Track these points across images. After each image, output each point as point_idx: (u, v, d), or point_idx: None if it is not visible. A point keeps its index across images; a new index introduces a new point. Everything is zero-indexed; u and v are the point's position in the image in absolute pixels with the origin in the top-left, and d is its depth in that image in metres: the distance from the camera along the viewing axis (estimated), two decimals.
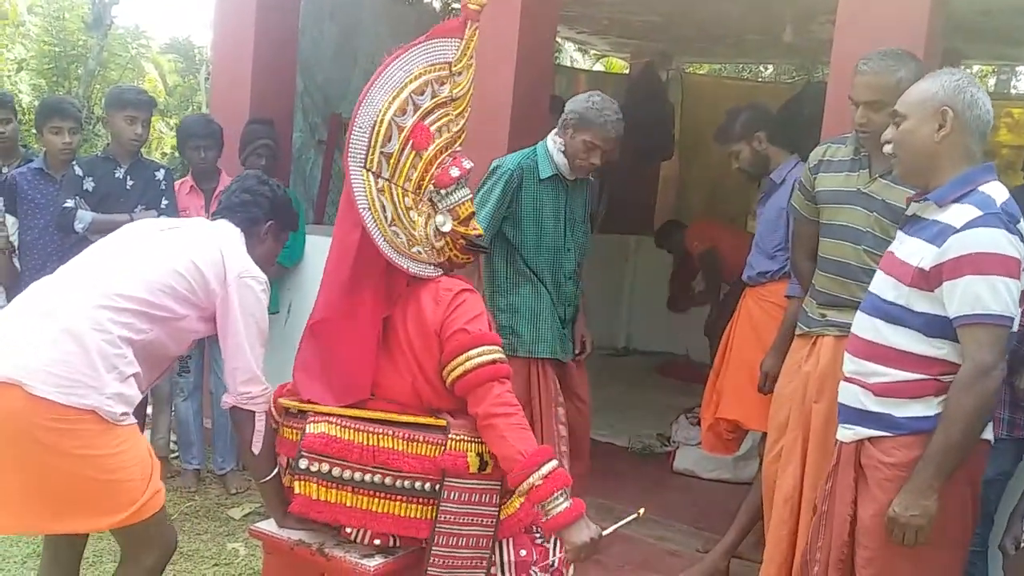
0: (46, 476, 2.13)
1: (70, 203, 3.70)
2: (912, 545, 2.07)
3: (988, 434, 2.14)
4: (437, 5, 6.53)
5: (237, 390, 2.34)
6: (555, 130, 3.26)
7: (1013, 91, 9.79)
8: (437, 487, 2.19)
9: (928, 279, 2.08)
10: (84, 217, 3.69)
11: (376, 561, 2.22)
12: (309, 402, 2.31)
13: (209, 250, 2.36)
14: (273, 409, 2.40)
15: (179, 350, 2.44)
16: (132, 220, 3.61)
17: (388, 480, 2.18)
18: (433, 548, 2.19)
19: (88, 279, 2.26)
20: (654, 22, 5.98)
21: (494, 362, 2.20)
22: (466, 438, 2.20)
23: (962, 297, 2.02)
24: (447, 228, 2.33)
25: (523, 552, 2.29)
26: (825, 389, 2.62)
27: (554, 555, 2.31)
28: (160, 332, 2.29)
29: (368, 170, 2.24)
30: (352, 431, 2.20)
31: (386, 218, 2.25)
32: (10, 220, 3.78)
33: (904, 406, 2.13)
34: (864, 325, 2.23)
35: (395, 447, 2.19)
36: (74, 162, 3.86)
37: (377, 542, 2.25)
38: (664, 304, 6.10)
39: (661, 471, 4.50)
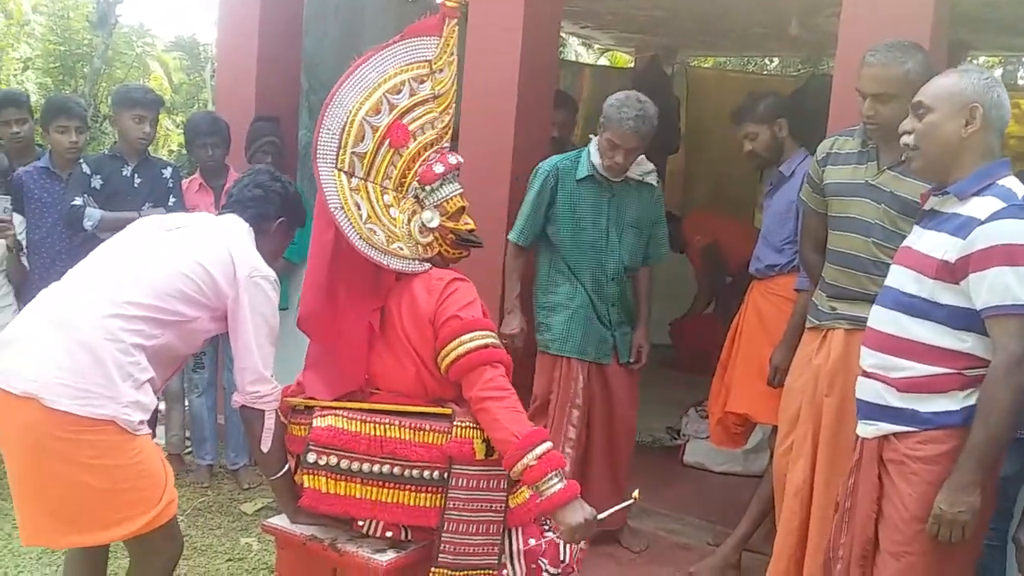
0: (63, 488, 2.14)
1: (78, 201, 3.71)
2: (958, 540, 2.07)
3: None
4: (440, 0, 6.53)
5: (246, 389, 2.35)
6: None
7: (1020, 81, 9.76)
8: (445, 475, 2.21)
9: (953, 271, 2.07)
10: (93, 215, 3.71)
11: (388, 556, 2.24)
12: (312, 398, 2.36)
13: (216, 249, 2.36)
14: (282, 412, 2.42)
15: (191, 350, 2.45)
16: (140, 217, 3.66)
17: (396, 470, 2.20)
18: (443, 535, 2.21)
19: (97, 287, 2.26)
20: (658, 16, 5.98)
21: (486, 346, 2.22)
22: (472, 425, 2.22)
23: (991, 288, 2.02)
24: (435, 224, 2.37)
25: (532, 541, 2.30)
26: (836, 382, 2.63)
27: (565, 553, 2.32)
28: (171, 335, 2.29)
29: (340, 170, 2.29)
30: (359, 423, 2.22)
31: (361, 216, 2.29)
32: (18, 219, 3.80)
33: (929, 401, 2.12)
34: (884, 319, 2.22)
35: (402, 436, 2.22)
36: (82, 160, 3.87)
37: (389, 534, 2.27)
38: (669, 299, 6.10)
39: (671, 464, 4.51)
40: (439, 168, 2.37)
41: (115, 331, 2.18)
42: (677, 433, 4.73)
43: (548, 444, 2.11)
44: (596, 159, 3.27)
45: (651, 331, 3.56)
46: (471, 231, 2.44)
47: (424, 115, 2.38)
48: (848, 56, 2.85)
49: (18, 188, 3.86)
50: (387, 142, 2.33)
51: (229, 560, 3.37)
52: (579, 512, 2.08)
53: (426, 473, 2.21)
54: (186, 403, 4.24)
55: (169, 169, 4.05)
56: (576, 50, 10.21)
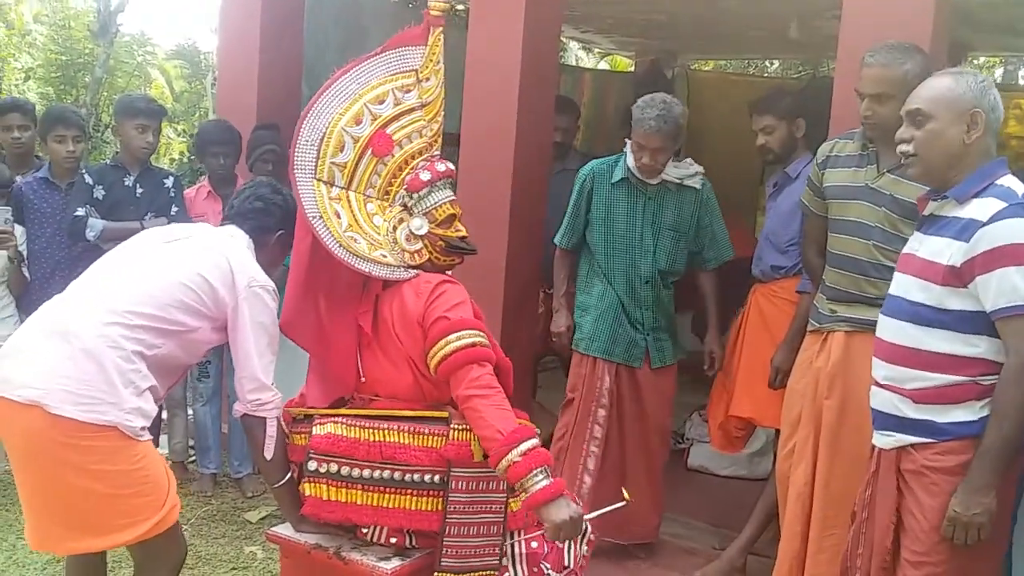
0: (67, 494, 2.15)
1: (81, 211, 3.72)
2: (974, 543, 2.05)
3: None
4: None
5: (247, 398, 2.36)
6: None
7: (1021, 81, 9.75)
8: (445, 479, 2.21)
9: (960, 275, 2.06)
10: (95, 225, 3.72)
11: (393, 564, 2.24)
12: (311, 407, 2.39)
13: (215, 259, 2.38)
14: (284, 423, 2.43)
15: (193, 360, 2.47)
16: (143, 227, 3.67)
17: (397, 475, 2.21)
18: (445, 539, 2.21)
19: (98, 297, 2.28)
20: (658, 20, 5.97)
21: (473, 345, 2.21)
22: (468, 427, 2.22)
23: (998, 289, 2.01)
24: (423, 231, 2.38)
25: (534, 544, 2.29)
26: (836, 385, 2.62)
27: (569, 557, 2.31)
28: (173, 345, 2.31)
29: (320, 180, 2.32)
30: (358, 429, 2.23)
31: (341, 224, 2.31)
32: (19, 229, 3.80)
33: (946, 412, 2.11)
34: (892, 329, 2.21)
35: (401, 441, 2.22)
36: (84, 170, 3.88)
37: (393, 540, 2.27)
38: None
39: (675, 468, 4.48)
40: (426, 176, 2.39)
41: (117, 339, 2.19)
42: (681, 437, 4.72)
43: (533, 441, 2.10)
44: (631, 162, 3.31)
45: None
46: (463, 238, 2.45)
47: (411, 124, 2.41)
48: (848, 59, 2.85)
49: (18, 199, 3.86)
50: (369, 151, 2.37)
51: (233, 569, 3.37)
52: (564, 509, 2.06)
53: (427, 477, 2.21)
54: (190, 412, 4.24)
55: (171, 179, 4.06)
56: (576, 54, 10.23)
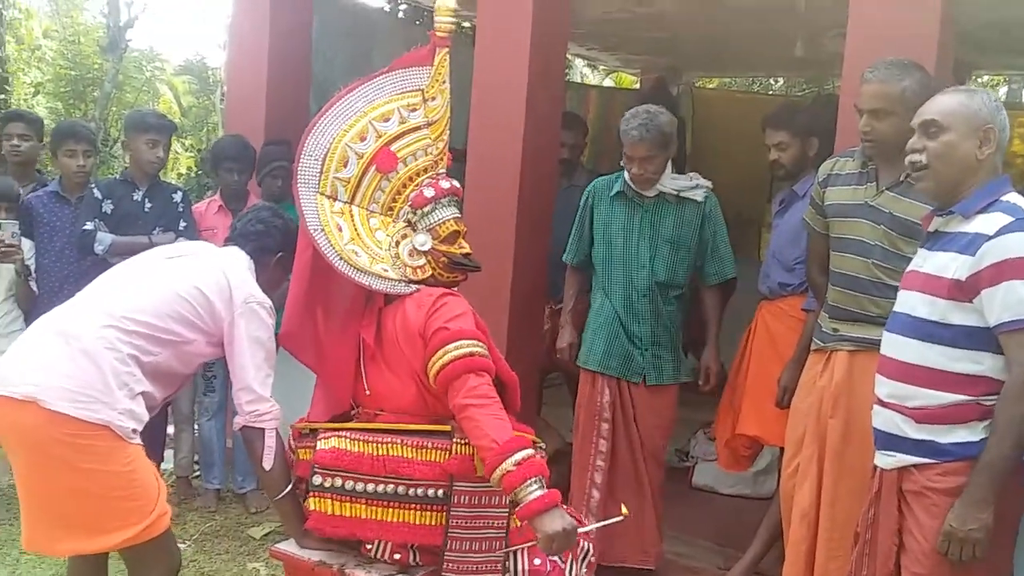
0: (58, 493, 2.20)
1: (90, 226, 3.75)
2: (969, 560, 2.04)
3: None
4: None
5: (244, 409, 2.41)
6: None
7: None
8: (449, 493, 2.21)
9: (964, 289, 2.06)
10: (104, 239, 3.74)
11: None
12: (316, 422, 2.41)
13: (213, 274, 2.44)
14: (291, 439, 2.46)
15: (187, 371, 2.51)
16: (151, 241, 3.70)
17: (400, 489, 2.21)
18: (446, 553, 2.21)
19: (97, 303, 2.35)
20: (664, 37, 6.00)
21: (471, 354, 2.21)
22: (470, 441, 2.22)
23: (1004, 303, 2.00)
24: (426, 247, 2.41)
25: (536, 561, 2.28)
26: (840, 404, 2.62)
27: (571, 574, 2.30)
28: (168, 355, 2.37)
29: (323, 194, 2.36)
30: (362, 443, 2.24)
31: (343, 238, 2.34)
32: (27, 244, 3.82)
33: (948, 432, 2.10)
34: (896, 346, 2.20)
35: (404, 455, 2.23)
36: (93, 185, 3.90)
37: (397, 556, 2.27)
38: None
39: (680, 487, 4.47)
40: (429, 192, 2.42)
41: (114, 341, 2.26)
42: (686, 455, 4.70)
43: (528, 451, 2.09)
44: (627, 175, 3.31)
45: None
46: (466, 255, 2.46)
47: (416, 142, 2.44)
48: (853, 77, 2.85)
49: (27, 212, 3.89)
50: (373, 167, 2.40)
51: None
52: (558, 521, 2.04)
53: (430, 491, 2.21)
54: (195, 427, 4.24)
55: (179, 193, 4.08)
56: (582, 72, 10.26)
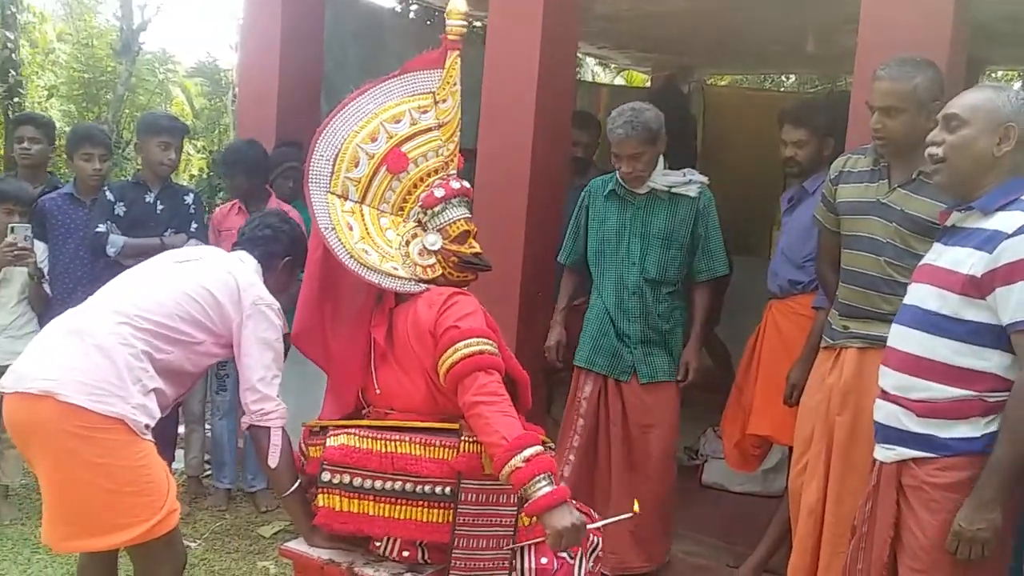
0: (71, 488, 2.24)
1: (102, 228, 3.78)
2: (978, 559, 2.04)
3: None
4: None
5: (251, 408, 2.45)
6: None
7: None
8: (456, 490, 2.22)
9: (979, 286, 2.05)
10: (116, 241, 3.77)
11: None
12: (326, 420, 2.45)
13: (224, 277, 2.49)
14: (302, 444, 2.48)
15: (198, 371, 2.54)
16: (163, 243, 3.72)
17: (408, 486, 2.22)
18: (453, 551, 2.22)
19: (109, 303, 2.40)
20: (674, 35, 5.99)
21: (481, 352, 2.22)
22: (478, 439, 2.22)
23: (1019, 302, 2.00)
24: (437, 246, 2.43)
25: (544, 560, 2.29)
26: (848, 402, 2.61)
27: (579, 573, 2.30)
28: (179, 354, 2.41)
29: (334, 193, 2.39)
30: (370, 440, 2.25)
31: (353, 237, 2.36)
32: (40, 246, 3.85)
33: (949, 427, 2.10)
34: (903, 337, 2.20)
35: (412, 452, 2.24)
36: (106, 187, 3.93)
37: (406, 554, 2.28)
38: None
39: (689, 485, 4.46)
40: (440, 192, 2.44)
41: (127, 337, 2.31)
42: (695, 453, 4.69)
43: (537, 448, 2.10)
44: (620, 174, 3.32)
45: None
46: (476, 254, 2.48)
47: (427, 143, 2.47)
48: (866, 73, 2.83)
49: (41, 215, 3.92)
50: (384, 168, 2.43)
51: None
52: (567, 516, 2.04)
53: (437, 489, 2.22)
54: (207, 428, 4.26)
55: (191, 195, 4.10)
56: (593, 70, 10.25)
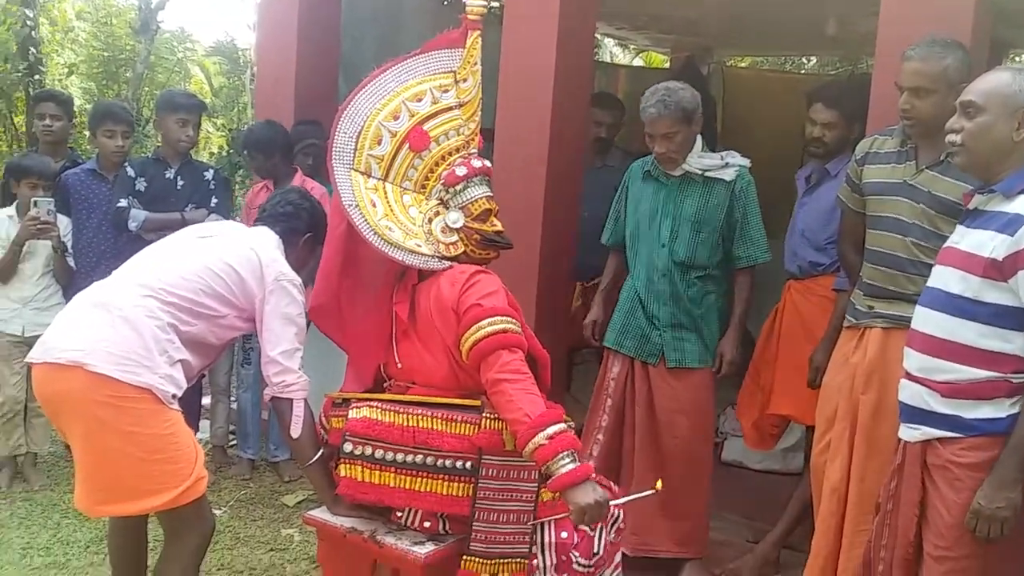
0: (102, 455, 2.29)
1: (123, 203, 3.84)
2: (997, 538, 2.05)
3: None
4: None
5: (273, 380, 2.49)
6: None
7: None
8: (477, 465, 2.25)
9: (1002, 269, 2.05)
10: (137, 216, 3.82)
11: (427, 548, 2.28)
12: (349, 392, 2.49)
13: (246, 253, 2.53)
14: (323, 417, 2.53)
15: (222, 344, 2.58)
16: (183, 218, 3.77)
17: (429, 460, 2.26)
18: (474, 524, 2.26)
19: (134, 276, 2.44)
20: (694, 16, 5.96)
21: (504, 331, 2.25)
22: (499, 416, 2.25)
23: None
24: (459, 224, 2.45)
25: (564, 534, 2.32)
26: (873, 381, 2.61)
27: (599, 544, 2.34)
28: (203, 327, 2.45)
29: (357, 170, 2.40)
30: (392, 413, 2.29)
31: (377, 213, 2.38)
32: (63, 220, 3.91)
33: (974, 408, 2.11)
34: (928, 320, 2.20)
35: (433, 427, 2.28)
36: (127, 164, 3.98)
37: (427, 525, 2.32)
38: None
39: None
40: (462, 171, 2.46)
41: (153, 309, 2.35)
42: (715, 431, 4.71)
43: (561, 425, 2.13)
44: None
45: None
46: (498, 232, 2.50)
47: (448, 122, 2.49)
48: (887, 55, 2.83)
49: (64, 190, 3.98)
50: (407, 146, 2.45)
51: (271, 551, 3.44)
52: (590, 493, 2.08)
53: (458, 463, 2.26)
54: (232, 399, 4.32)
55: (211, 171, 4.15)
56: (612, 51, 10.21)
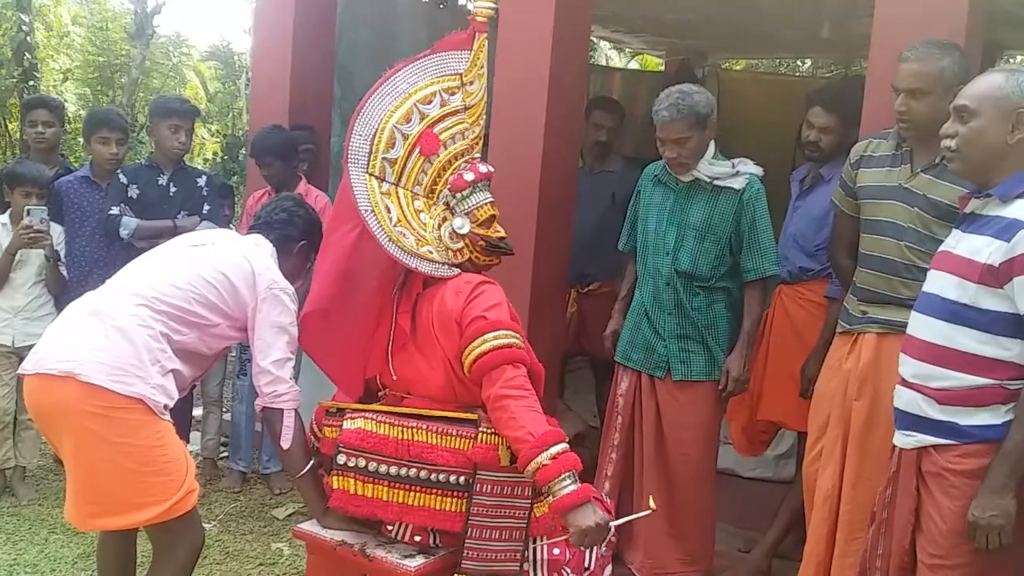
0: (91, 467, 2.26)
1: (115, 210, 3.81)
2: (995, 547, 2.03)
3: None
4: (472, 8, 6.56)
5: (264, 391, 2.47)
6: None
7: None
8: (471, 480, 2.23)
9: (997, 275, 2.04)
10: (129, 224, 3.79)
11: (417, 561, 2.26)
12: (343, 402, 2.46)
13: (239, 261, 2.51)
14: (314, 425, 2.51)
15: (213, 353, 2.56)
16: (175, 226, 3.75)
17: (423, 474, 2.23)
18: (466, 540, 2.23)
19: (126, 286, 2.42)
20: (689, 19, 5.95)
21: (509, 346, 2.23)
22: (496, 431, 2.23)
23: None
24: (465, 230, 2.42)
25: (556, 551, 2.30)
26: (866, 387, 2.60)
27: (590, 559, 2.32)
28: (195, 337, 2.43)
29: (371, 174, 2.35)
30: (387, 426, 2.26)
31: (391, 219, 2.34)
32: (56, 229, 3.89)
33: (970, 414, 2.09)
34: (924, 326, 2.19)
35: (429, 440, 2.25)
36: (119, 170, 3.96)
37: (418, 539, 2.29)
38: None
39: None
40: (469, 176, 2.43)
41: (145, 318, 2.33)
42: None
43: (563, 445, 2.11)
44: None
45: None
46: (501, 239, 2.48)
47: (455, 125, 2.46)
48: (881, 58, 2.82)
49: (57, 198, 3.95)
50: (418, 149, 2.40)
51: (260, 565, 3.41)
52: (590, 516, 2.07)
53: (452, 478, 2.23)
54: (225, 411, 4.30)
55: (204, 178, 4.12)
56: (607, 54, 10.20)
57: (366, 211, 2.33)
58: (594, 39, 7.51)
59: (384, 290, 2.50)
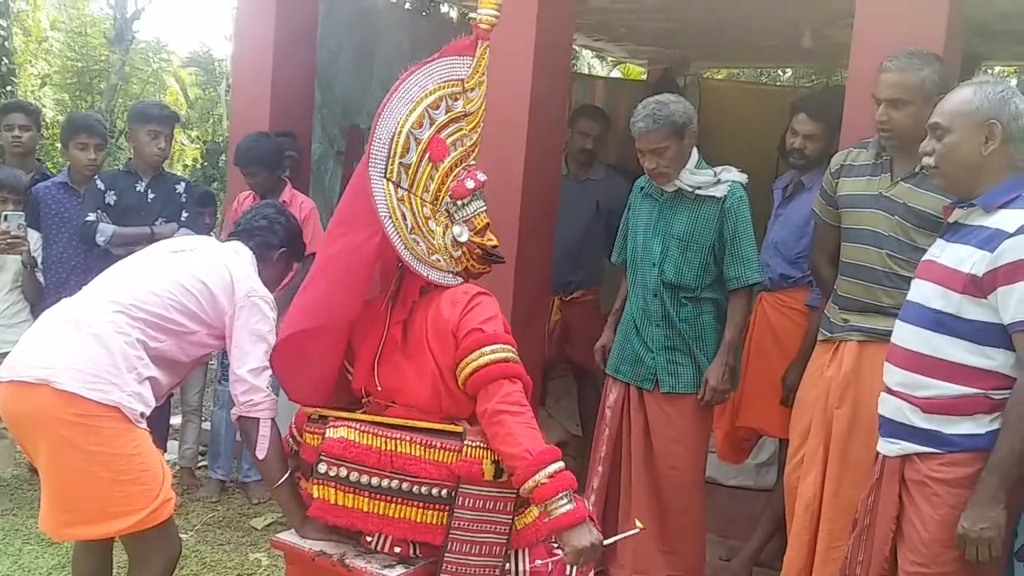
0: (66, 476, 2.24)
1: (92, 216, 3.77)
2: (985, 560, 2.04)
3: None
4: (454, 15, 6.57)
5: (240, 399, 2.44)
6: None
7: None
8: (453, 493, 2.20)
9: (981, 285, 2.05)
10: (105, 230, 3.76)
11: (396, 572, 2.23)
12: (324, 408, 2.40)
13: (218, 269, 2.48)
14: (294, 428, 2.48)
15: (191, 361, 2.53)
16: (152, 233, 3.71)
17: (405, 486, 2.20)
18: (446, 555, 2.21)
19: (104, 292, 2.40)
20: (671, 28, 5.98)
21: (506, 360, 2.21)
22: (482, 445, 2.20)
23: (1019, 302, 1.99)
24: (464, 238, 2.39)
25: (538, 562, 2.28)
26: (847, 395, 2.61)
27: (572, 569, 2.30)
28: (173, 344, 2.41)
29: (388, 180, 2.28)
30: (371, 436, 2.23)
31: (406, 226, 2.30)
32: (33, 235, 3.84)
33: (954, 423, 2.10)
34: (908, 335, 2.19)
35: (412, 452, 2.22)
36: (96, 176, 3.92)
37: (398, 550, 2.27)
38: None
39: None
40: (470, 184, 2.40)
41: (122, 325, 2.31)
42: None
43: (560, 464, 2.10)
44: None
45: None
46: (495, 247, 2.46)
47: (457, 132, 2.42)
48: (861, 67, 2.83)
49: (35, 204, 3.91)
50: (427, 155, 2.35)
51: (239, 575, 3.37)
52: (586, 535, 2.06)
53: (434, 491, 2.21)
54: (203, 418, 4.25)
55: (183, 184, 4.09)
56: (589, 63, 10.24)
57: (385, 216, 2.27)
58: (576, 47, 7.53)
59: (375, 299, 2.46)
